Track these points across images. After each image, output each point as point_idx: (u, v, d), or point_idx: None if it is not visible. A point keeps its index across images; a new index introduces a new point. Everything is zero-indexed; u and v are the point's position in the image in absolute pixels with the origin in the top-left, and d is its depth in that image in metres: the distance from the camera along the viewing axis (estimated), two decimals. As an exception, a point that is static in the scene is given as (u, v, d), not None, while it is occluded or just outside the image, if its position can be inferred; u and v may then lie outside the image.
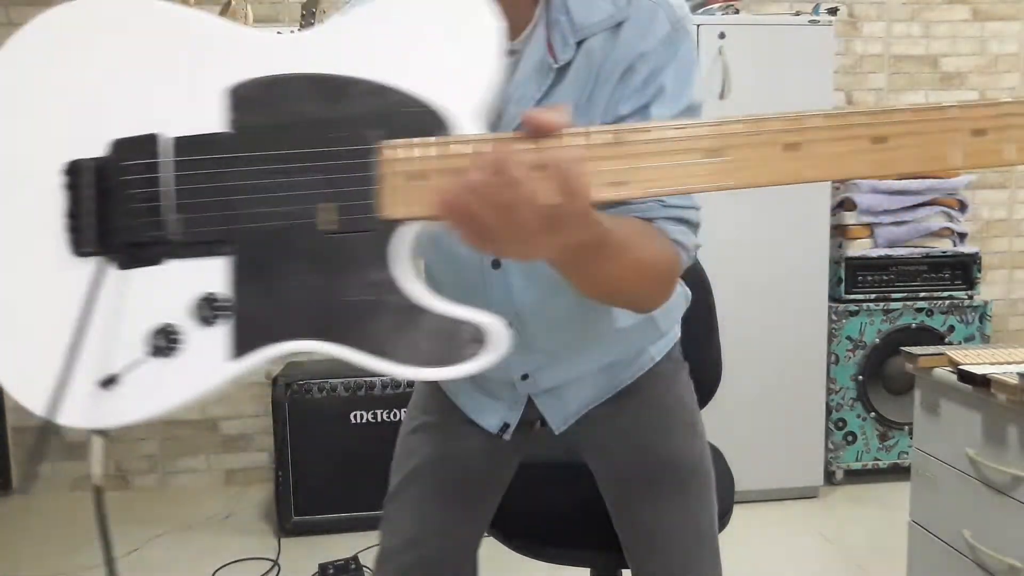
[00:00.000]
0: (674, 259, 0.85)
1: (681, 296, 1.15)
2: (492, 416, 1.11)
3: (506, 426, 1.11)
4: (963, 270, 2.96)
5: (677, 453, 1.11)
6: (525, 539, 1.27)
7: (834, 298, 2.93)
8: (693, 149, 0.63)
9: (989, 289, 3.38)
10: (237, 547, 2.61)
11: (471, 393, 1.12)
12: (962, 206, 2.98)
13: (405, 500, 1.12)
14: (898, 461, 2.96)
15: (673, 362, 1.16)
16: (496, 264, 0.96)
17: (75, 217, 0.72)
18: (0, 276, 0.74)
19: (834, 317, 2.89)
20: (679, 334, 1.19)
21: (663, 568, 1.09)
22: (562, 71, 0.86)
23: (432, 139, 0.65)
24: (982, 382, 1.57)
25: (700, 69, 0.90)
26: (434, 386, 1.18)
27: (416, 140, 0.65)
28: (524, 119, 0.62)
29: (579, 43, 0.85)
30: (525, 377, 1.06)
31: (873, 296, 2.93)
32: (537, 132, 0.62)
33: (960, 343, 2.91)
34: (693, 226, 0.88)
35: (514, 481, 1.20)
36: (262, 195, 0.69)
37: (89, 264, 0.72)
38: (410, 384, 1.74)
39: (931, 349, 1.79)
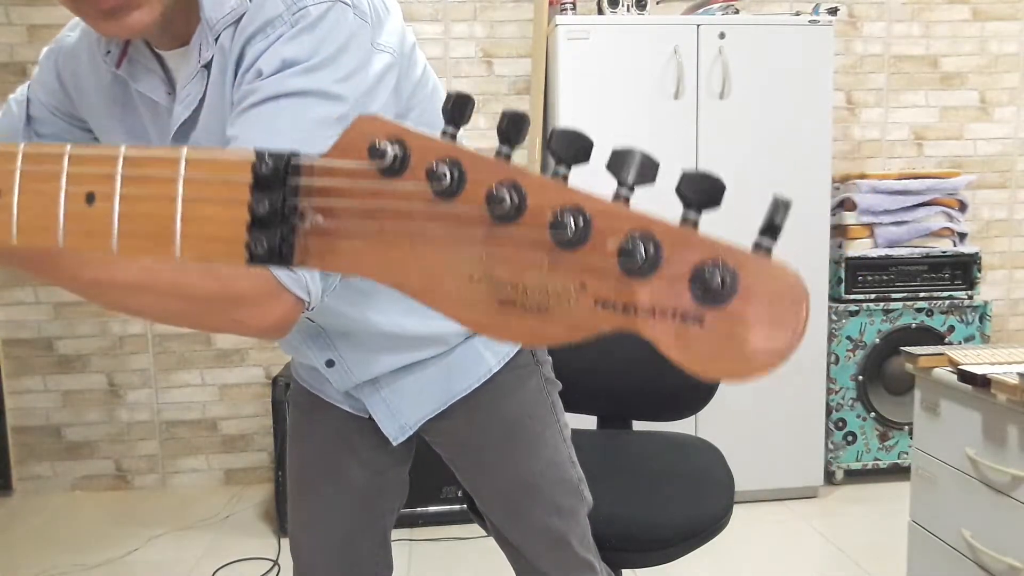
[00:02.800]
0: (236, 280, 0.70)
1: None
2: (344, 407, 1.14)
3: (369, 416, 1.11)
4: (963, 270, 2.96)
5: (515, 471, 1.10)
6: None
7: (834, 298, 2.93)
8: None
9: (989, 289, 3.38)
10: (237, 547, 2.61)
11: (322, 389, 1.14)
12: (962, 206, 2.98)
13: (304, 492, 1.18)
14: (898, 461, 2.96)
15: (519, 369, 1.11)
16: None
17: None
18: None
19: (834, 317, 2.89)
20: None
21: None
22: (209, 70, 0.85)
23: None
24: (982, 382, 1.57)
25: (359, 60, 0.76)
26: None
27: None
28: None
29: (217, 40, 0.83)
30: (331, 364, 1.06)
31: (873, 296, 2.92)
32: None
33: (960, 343, 2.91)
34: None
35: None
36: None
37: None
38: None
39: (931, 349, 1.79)
